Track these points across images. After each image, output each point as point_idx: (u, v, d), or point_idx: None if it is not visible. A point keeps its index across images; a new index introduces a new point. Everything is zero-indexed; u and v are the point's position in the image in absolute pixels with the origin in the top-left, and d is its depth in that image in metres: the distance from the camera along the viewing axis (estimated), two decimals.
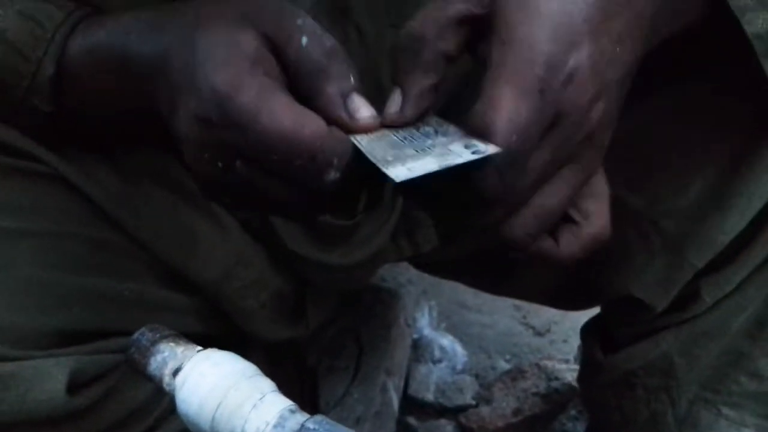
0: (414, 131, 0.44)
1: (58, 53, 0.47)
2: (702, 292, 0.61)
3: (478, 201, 0.43)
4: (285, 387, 0.87)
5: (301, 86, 0.42)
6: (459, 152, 0.40)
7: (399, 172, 0.39)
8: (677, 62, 0.53)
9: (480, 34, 0.44)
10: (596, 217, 0.48)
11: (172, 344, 0.42)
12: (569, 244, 0.47)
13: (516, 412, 0.93)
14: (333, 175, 0.41)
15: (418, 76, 0.44)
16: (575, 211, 0.48)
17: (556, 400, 0.94)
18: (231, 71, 0.41)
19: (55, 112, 0.49)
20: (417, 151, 0.41)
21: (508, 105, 0.41)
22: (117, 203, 0.56)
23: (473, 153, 0.40)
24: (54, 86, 0.48)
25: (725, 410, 0.64)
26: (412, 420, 0.95)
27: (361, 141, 0.42)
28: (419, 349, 1.01)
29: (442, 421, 0.95)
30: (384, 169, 0.39)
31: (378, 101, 0.62)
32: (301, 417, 0.39)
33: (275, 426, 0.39)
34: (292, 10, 0.44)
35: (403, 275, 1.13)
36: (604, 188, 0.49)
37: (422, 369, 0.99)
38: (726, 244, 0.58)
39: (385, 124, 0.43)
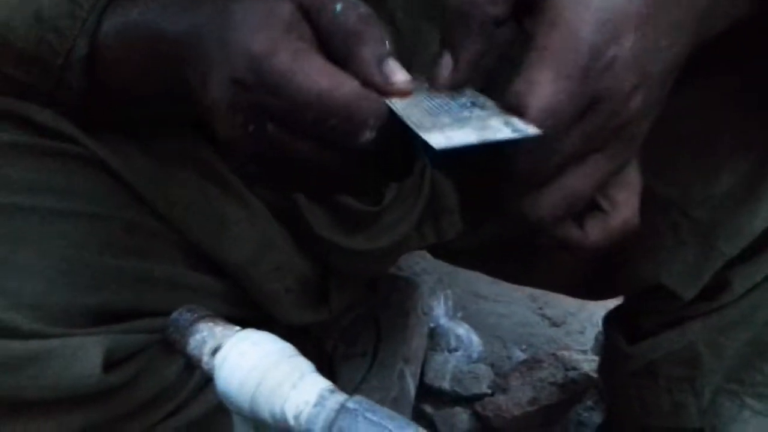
0: (449, 101, 0.44)
1: (91, 31, 0.47)
2: (732, 281, 0.61)
3: (506, 178, 0.43)
4: None
5: (335, 51, 0.42)
6: (498, 128, 0.41)
7: (438, 139, 0.39)
8: (709, 52, 0.53)
9: (526, 5, 0.44)
10: (625, 206, 0.48)
11: (210, 324, 0.42)
12: (595, 232, 0.47)
13: (532, 401, 0.93)
14: (368, 134, 0.41)
15: (469, 39, 0.44)
16: (604, 200, 0.47)
17: (572, 390, 0.94)
18: (266, 34, 0.41)
19: (89, 91, 0.49)
20: (455, 121, 0.41)
21: (547, 89, 0.41)
22: (149, 185, 0.55)
23: (513, 131, 0.40)
24: (87, 64, 0.48)
25: (749, 401, 0.64)
26: (427, 408, 0.95)
27: (396, 105, 0.42)
28: (435, 337, 1.01)
29: (458, 409, 0.95)
30: (423, 135, 0.39)
31: None
32: (341, 397, 0.39)
33: (315, 405, 0.39)
34: None
35: (419, 264, 1.13)
36: (636, 178, 0.49)
37: (438, 357, 0.99)
38: (758, 233, 0.58)
39: (437, 87, 0.44)
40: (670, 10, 0.43)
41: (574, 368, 0.93)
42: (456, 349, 1.01)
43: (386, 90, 0.42)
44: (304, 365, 0.41)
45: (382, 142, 0.42)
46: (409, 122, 0.40)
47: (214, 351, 0.41)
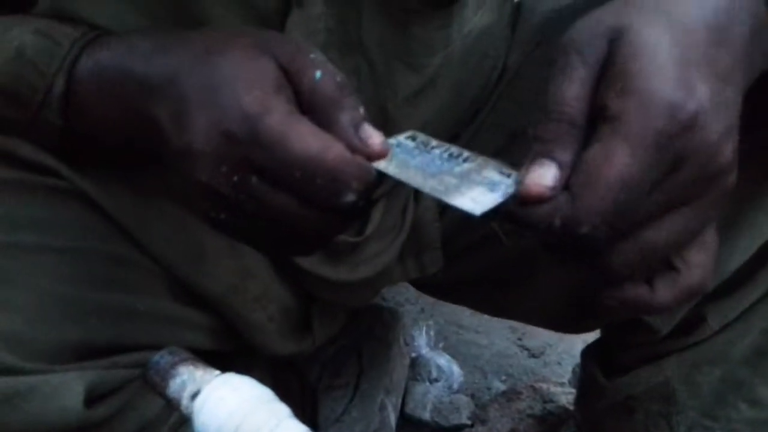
0: (426, 154, 0.44)
1: (69, 69, 0.47)
2: (708, 317, 0.60)
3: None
4: (286, 404, 0.86)
5: (316, 115, 0.43)
6: (502, 180, 0.41)
7: (469, 205, 0.39)
8: None
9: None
10: (699, 268, 0.45)
11: (191, 367, 0.41)
12: (665, 293, 0.44)
13: None
14: (350, 196, 0.41)
15: (573, 151, 0.41)
16: (678, 258, 0.44)
17: (550, 422, 0.92)
18: (259, 93, 0.41)
19: (67, 128, 0.48)
20: (460, 179, 0.41)
21: (622, 160, 0.39)
22: (130, 217, 0.54)
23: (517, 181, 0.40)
24: (64, 102, 0.47)
25: None
26: None
27: (389, 170, 0.42)
28: (417, 367, 1.00)
29: None
30: (454, 203, 0.39)
31: (386, 131, 0.62)
32: None
33: None
34: (304, 45, 0.44)
35: (402, 294, 1.12)
36: (714, 239, 0.46)
37: (419, 388, 0.97)
38: (733, 270, 0.58)
39: (530, 191, 0.40)
40: (724, 55, 0.41)
41: (552, 401, 0.92)
42: (437, 380, 0.99)
43: (365, 152, 0.42)
44: (282, 411, 0.40)
45: (367, 200, 0.42)
46: (425, 190, 0.41)
47: (194, 395, 0.39)
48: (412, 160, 0.43)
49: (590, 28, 0.41)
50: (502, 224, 0.68)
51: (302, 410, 0.86)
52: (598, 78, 0.41)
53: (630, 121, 0.39)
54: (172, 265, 0.57)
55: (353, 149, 0.42)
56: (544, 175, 0.40)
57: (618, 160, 0.39)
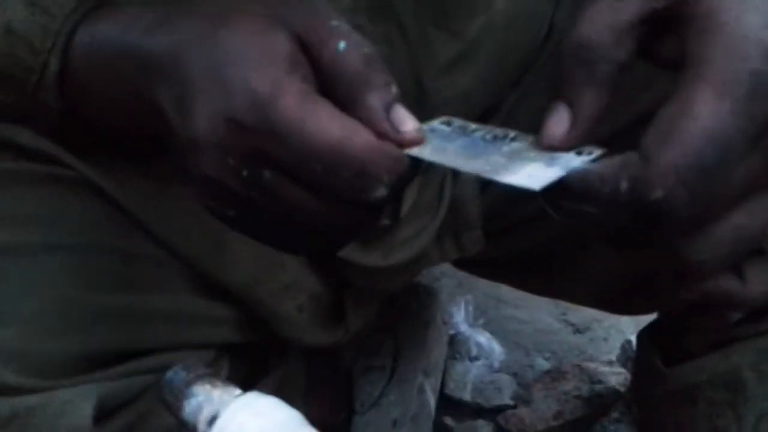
0: (466, 137, 0.38)
1: (64, 46, 0.41)
2: None
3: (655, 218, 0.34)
4: (321, 389, 0.82)
5: (338, 95, 0.36)
6: (568, 157, 0.35)
7: (522, 179, 0.33)
8: None
9: (657, 33, 0.36)
10: None
11: (208, 386, 0.36)
12: (759, 282, 0.38)
13: (557, 415, 0.87)
14: (381, 191, 0.35)
15: (593, 92, 0.36)
16: None
17: (598, 403, 0.87)
18: (270, 72, 0.35)
19: (66, 110, 0.43)
20: (504, 157, 0.35)
21: (707, 109, 0.32)
22: (145, 207, 0.49)
23: (588, 156, 0.35)
24: (61, 83, 0.42)
25: None
26: (448, 420, 0.89)
27: (423, 154, 0.36)
28: (456, 345, 0.95)
29: (480, 422, 0.89)
30: (510, 180, 0.34)
31: (421, 104, 0.55)
32: None
33: None
34: (325, 11, 0.37)
35: (437, 268, 1.07)
36: None
37: (459, 367, 0.93)
38: None
39: (548, 145, 0.36)
40: None
41: (600, 381, 0.87)
42: (477, 358, 0.95)
43: (396, 140, 0.35)
44: None
45: (400, 191, 0.35)
46: (470, 170, 0.35)
47: (211, 420, 0.35)
48: (451, 144, 0.37)
49: None
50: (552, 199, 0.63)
51: (337, 395, 0.83)
52: (652, 11, 0.35)
53: (716, 63, 0.32)
54: (191, 258, 0.51)
55: (384, 135, 0.35)
56: (556, 123, 0.36)
57: (702, 111, 0.32)
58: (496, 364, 0.95)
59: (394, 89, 0.36)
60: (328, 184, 0.35)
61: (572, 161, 0.35)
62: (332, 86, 0.36)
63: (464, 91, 0.57)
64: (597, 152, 0.35)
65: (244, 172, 0.35)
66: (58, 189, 0.47)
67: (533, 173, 0.34)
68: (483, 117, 0.63)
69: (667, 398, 0.65)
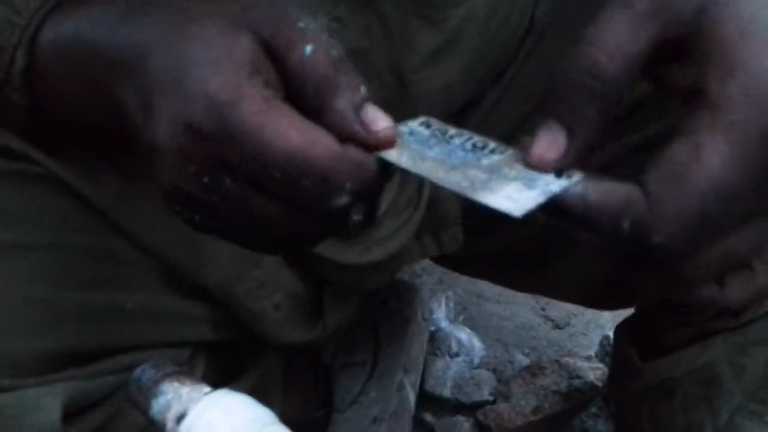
0: (445, 144, 0.36)
1: (30, 42, 0.40)
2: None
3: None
4: (300, 386, 0.81)
5: (305, 100, 0.35)
6: (547, 179, 0.33)
7: (506, 205, 0.32)
8: None
9: (666, 55, 0.34)
10: None
11: (176, 384, 0.35)
12: (737, 292, 0.38)
13: (535, 410, 0.86)
14: (343, 199, 0.34)
15: (595, 122, 0.33)
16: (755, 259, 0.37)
17: (576, 398, 0.87)
18: (230, 77, 0.34)
19: (33, 107, 0.42)
20: (489, 173, 0.34)
21: (719, 160, 0.31)
22: (117, 205, 0.48)
23: (567, 180, 0.33)
24: (27, 79, 0.40)
25: None
26: (428, 416, 0.89)
27: (401, 160, 0.35)
28: (436, 342, 0.95)
29: (459, 418, 0.88)
30: (488, 202, 0.32)
31: (402, 97, 0.54)
32: None
33: None
34: (293, 13, 0.36)
35: (418, 264, 1.06)
36: None
37: (439, 363, 0.92)
38: None
39: (536, 165, 0.34)
40: None
41: (579, 376, 0.87)
42: (457, 354, 0.94)
43: (369, 141, 0.34)
44: None
45: (368, 199, 0.35)
46: (447, 185, 0.34)
47: (179, 417, 0.34)
48: (429, 151, 0.36)
49: None
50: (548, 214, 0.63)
51: (317, 392, 0.82)
52: (665, 40, 0.32)
53: (733, 110, 0.31)
54: (165, 256, 0.50)
55: (354, 137, 0.34)
56: (549, 144, 0.34)
57: (714, 160, 0.31)
58: (476, 360, 0.94)
59: (363, 90, 0.35)
60: (289, 191, 0.34)
61: (552, 185, 0.34)
62: (300, 91, 0.35)
63: (445, 83, 0.57)
64: (577, 176, 0.34)
65: (205, 179, 0.34)
66: (27, 186, 0.46)
67: (513, 195, 0.33)
68: (463, 111, 0.62)
69: (643, 393, 0.65)
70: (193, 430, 0.33)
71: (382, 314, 0.87)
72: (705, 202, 0.31)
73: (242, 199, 0.35)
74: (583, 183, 0.34)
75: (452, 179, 0.34)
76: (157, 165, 0.35)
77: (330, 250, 0.59)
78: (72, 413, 0.44)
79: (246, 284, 0.56)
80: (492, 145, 0.36)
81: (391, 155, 0.35)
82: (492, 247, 0.69)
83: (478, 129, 0.63)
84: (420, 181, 0.64)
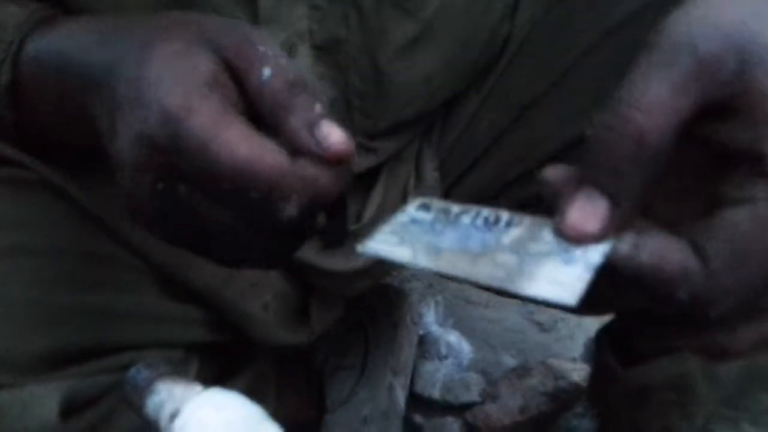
0: (452, 226, 0.34)
1: (15, 57, 0.42)
2: None
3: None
4: (292, 388, 0.83)
5: (263, 119, 0.37)
6: (589, 249, 0.30)
7: (556, 292, 0.29)
8: None
9: (711, 115, 0.32)
10: None
11: (170, 383, 0.37)
12: (748, 338, 0.38)
13: (522, 410, 0.88)
14: (289, 211, 0.35)
15: (640, 186, 0.31)
16: None
17: (562, 398, 0.89)
18: (183, 92, 0.35)
19: (21, 122, 0.43)
20: (511, 253, 0.31)
21: None
22: (109, 210, 0.50)
23: (606, 248, 0.30)
24: (12, 93, 0.42)
25: (746, 426, 0.59)
26: (418, 418, 0.90)
27: (407, 258, 0.33)
28: (425, 345, 0.96)
29: (449, 419, 0.90)
30: (528, 292, 0.29)
31: (379, 88, 0.53)
32: None
33: None
34: (255, 35, 0.37)
35: (408, 270, 1.08)
36: None
37: (428, 366, 0.94)
38: None
39: (572, 235, 0.32)
40: None
41: (564, 377, 0.89)
42: (447, 357, 0.96)
43: (321, 154, 0.35)
44: None
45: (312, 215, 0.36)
46: (482, 280, 0.31)
47: (173, 416, 0.35)
48: (441, 240, 0.33)
49: (713, 26, 0.30)
50: (508, 203, 0.64)
51: (309, 394, 0.83)
52: (707, 102, 0.30)
53: None
54: (155, 259, 0.52)
55: (308, 152, 0.35)
56: (589, 214, 0.31)
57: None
58: (465, 363, 0.96)
59: (319, 108, 0.36)
60: (238, 202, 0.35)
61: (591, 253, 0.31)
62: (259, 111, 0.37)
63: (423, 75, 0.56)
64: (609, 241, 0.31)
65: (159, 185, 0.36)
66: (20, 191, 0.47)
67: (556, 276, 0.30)
68: (448, 112, 0.63)
69: (622, 398, 0.66)
70: (186, 428, 0.35)
71: (372, 319, 0.88)
72: (766, 279, 0.31)
73: (197, 209, 0.36)
74: (628, 244, 0.31)
75: (483, 272, 0.31)
76: (118, 176, 0.37)
77: (314, 256, 0.60)
78: (69, 411, 0.46)
79: (237, 285, 0.57)
80: (504, 216, 0.34)
81: (404, 254, 0.33)
82: None
83: (459, 137, 0.64)
84: (404, 185, 0.65)
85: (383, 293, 0.90)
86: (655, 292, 0.31)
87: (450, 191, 0.66)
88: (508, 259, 0.31)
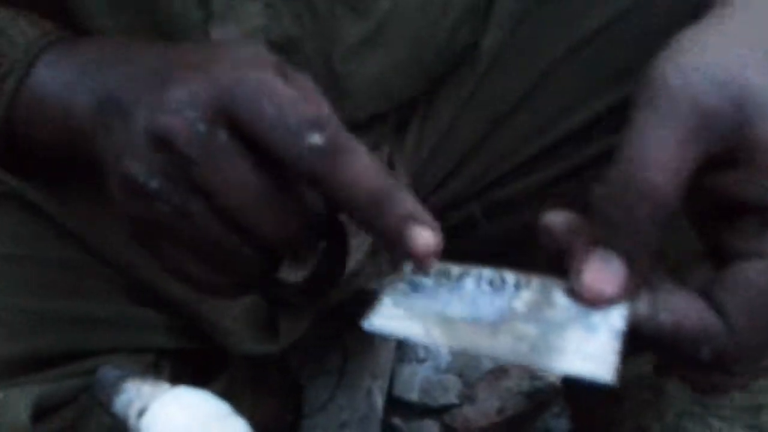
0: (457, 290, 0.33)
1: (18, 81, 0.42)
2: None
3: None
4: (268, 393, 0.82)
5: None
6: (587, 310, 0.30)
7: (582, 366, 0.28)
8: None
9: (714, 166, 0.32)
10: None
11: (138, 382, 0.37)
12: (741, 381, 0.37)
13: (500, 411, 0.89)
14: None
15: (653, 245, 0.31)
16: None
17: (539, 399, 0.89)
18: (183, 117, 0.35)
19: (9, 136, 0.44)
20: (529, 322, 0.30)
21: None
22: (78, 219, 0.50)
23: (621, 315, 0.30)
24: (5, 127, 0.43)
25: (715, 422, 0.60)
26: (396, 420, 0.90)
27: (420, 336, 0.31)
28: (404, 348, 0.96)
29: (427, 422, 0.90)
30: (561, 369, 0.29)
31: (333, 89, 0.53)
32: None
33: None
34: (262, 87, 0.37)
35: (386, 271, 1.08)
36: None
37: (406, 369, 0.94)
38: None
39: (591, 299, 0.31)
40: None
41: (540, 378, 0.89)
42: (425, 360, 0.96)
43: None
44: (238, 427, 0.36)
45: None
46: (507, 357, 0.30)
47: (141, 412, 0.36)
48: (451, 310, 0.31)
49: (709, 78, 0.30)
50: (481, 207, 0.64)
51: (286, 399, 0.83)
52: (711, 154, 0.30)
53: None
54: (127, 268, 0.52)
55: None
56: (606, 276, 0.31)
57: None
58: (443, 365, 0.96)
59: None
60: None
61: (612, 318, 0.30)
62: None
63: (377, 77, 0.56)
64: (626, 303, 0.31)
65: (153, 183, 0.37)
66: None
67: (586, 349, 0.29)
68: (405, 117, 0.63)
69: (596, 397, 0.66)
70: (154, 424, 0.35)
71: (349, 324, 0.88)
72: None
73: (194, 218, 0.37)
74: (646, 303, 0.31)
75: (505, 347, 0.29)
76: (108, 188, 0.38)
77: (281, 270, 0.60)
78: (40, 414, 0.46)
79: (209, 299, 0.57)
80: (509, 278, 0.33)
81: (415, 331, 0.31)
82: (454, 255, 0.70)
83: (436, 147, 0.64)
84: None
85: (362, 299, 0.90)
86: (678, 351, 0.31)
87: (426, 199, 0.66)
88: (528, 329, 0.30)
